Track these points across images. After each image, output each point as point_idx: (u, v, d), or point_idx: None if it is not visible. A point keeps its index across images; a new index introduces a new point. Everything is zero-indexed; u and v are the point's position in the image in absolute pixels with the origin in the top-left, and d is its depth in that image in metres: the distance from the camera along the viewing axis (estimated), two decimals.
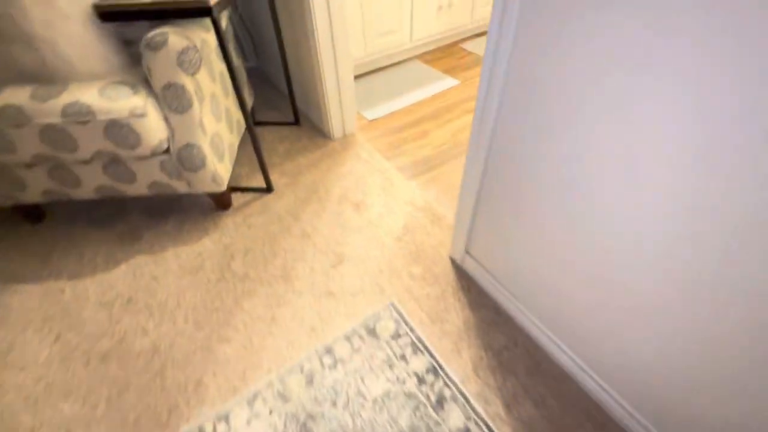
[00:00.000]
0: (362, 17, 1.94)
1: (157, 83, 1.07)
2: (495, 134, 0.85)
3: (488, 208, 0.99)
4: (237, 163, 1.65)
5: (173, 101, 1.10)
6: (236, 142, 1.46)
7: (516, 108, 0.77)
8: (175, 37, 1.02)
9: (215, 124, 1.25)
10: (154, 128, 1.10)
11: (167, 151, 1.18)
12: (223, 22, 1.32)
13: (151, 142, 1.11)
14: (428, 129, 1.82)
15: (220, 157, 1.28)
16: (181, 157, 1.18)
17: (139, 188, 1.26)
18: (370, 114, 1.92)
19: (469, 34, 2.59)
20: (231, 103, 1.44)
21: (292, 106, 1.79)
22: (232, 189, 1.52)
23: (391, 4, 1.99)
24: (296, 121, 1.85)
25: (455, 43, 2.52)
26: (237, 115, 1.50)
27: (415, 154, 1.68)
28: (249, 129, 1.31)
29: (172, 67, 1.04)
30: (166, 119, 1.13)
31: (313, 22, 1.37)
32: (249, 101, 1.69)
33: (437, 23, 2.25)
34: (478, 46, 2.45)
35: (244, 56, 2.26)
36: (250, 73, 2.28)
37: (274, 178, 1.57)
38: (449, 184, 1.52)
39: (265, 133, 1.81)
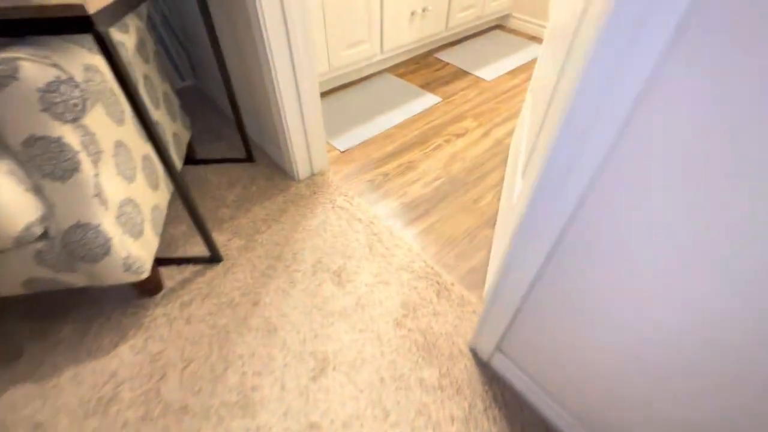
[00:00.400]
0: (325, 26, 1.59)
1: (14, 137, 0.67)
2: (575, 220, 0.54)
3: (542, 304, 0.68)
4: (171, 220, 1.24)
5: (45, 163, 0.70)
6: (165, 199, 1.06)
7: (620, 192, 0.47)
8: (31, 65, 0.62)
9: (125, 186, 0.85)
10: (14, 208, 0.69)
11: (46, 235, 0.77)
12: (130, 37, 0.93)
13: (12, 228, 0.70)
14: (414, 159, 1.50)
15: (137, 233, 0.88)
16: (70, 243, 0.78)
17: (8, 288, 0.84)
18: (342, 143, 1.58)
19: (443, 43, 2.32)
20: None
21: (243, 138, 1.40)
22: (163, 262, 1.11)
23: (358, 10, 1.66)
24: (249, 157, 1.46)
25: (429, 53, 2.24)
26: None
27: (402, 194, 1.36)
28: (178, 189, 0.92)
29: (34, 112, 0.65)
30: (38, 191, 0.72)
31: (264, 33, 1.01)
32: (185, 135, 1.29)
33: (410, 32, 1.95)
34: (454, 56, 2.18)
35: (178, 74, 1.84)
36: (187, 94, 1.86)
37: (222, 240, 1.18)
38: (451, 234, 1.22)
39: (209, 175, 1.41)
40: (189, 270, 1.10)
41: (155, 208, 0.99)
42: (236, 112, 1.32)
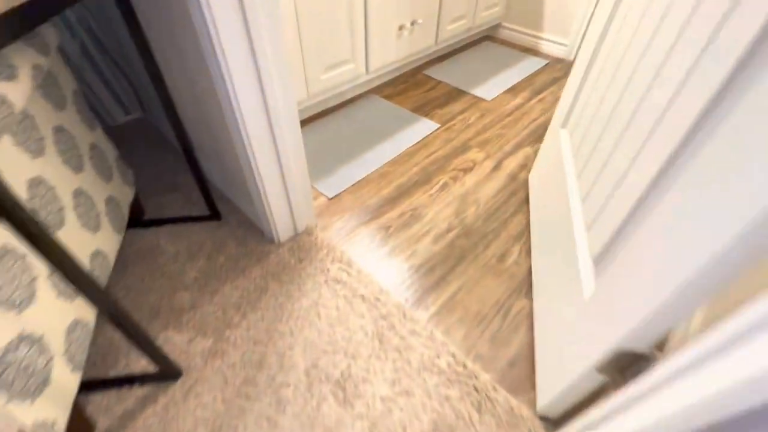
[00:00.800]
0: (301, 46, 1.32)
1: None
2: None
3: None
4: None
5: None
6: (91, 314, 0.75)
7: None
8: None
9: (13, 318, 0.55)
10: None
11: None
12: (19, 84, 0.62)
13: None
14: (419, 205, 1.25)
15: (38, 387, 0.57)
16: None
17: None
18: (329, 187, 1.31)
19: (431, 58, 2.09)
20: (70, 231, 0.73)
21: (204, 194, 1.10)
22: (94, 386, 0.80)
23: (340, 27, 1.39)
24: (214, 214, 1.17)
25: (418, 70, 2.00)
26: (96, 245, 0.79)
27: (411, 254, 1.10)
28: (104, 312, 0.62)
29: None
30: None
31: (222, 65, 0.73)
32: (125, 195, 0.98)
33: (398, 48, 1.70)
34: (445, 73, 1.96)
35: (121, 106, 1.51)
36: (134, 130, 1.53)
37: (181, 341, 0.88)
38: (479, 308, 0.97)
39: (161, 242, 1.10)
40: (134, 395, 0.79)
41: (75, 325, 0.68)
42: (192, 161, 1.02)
